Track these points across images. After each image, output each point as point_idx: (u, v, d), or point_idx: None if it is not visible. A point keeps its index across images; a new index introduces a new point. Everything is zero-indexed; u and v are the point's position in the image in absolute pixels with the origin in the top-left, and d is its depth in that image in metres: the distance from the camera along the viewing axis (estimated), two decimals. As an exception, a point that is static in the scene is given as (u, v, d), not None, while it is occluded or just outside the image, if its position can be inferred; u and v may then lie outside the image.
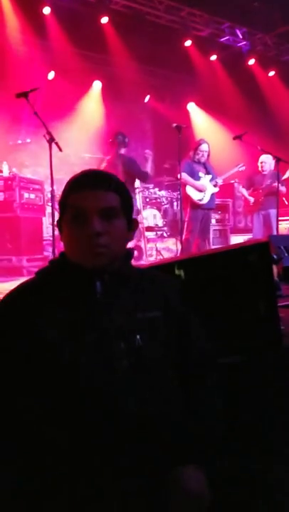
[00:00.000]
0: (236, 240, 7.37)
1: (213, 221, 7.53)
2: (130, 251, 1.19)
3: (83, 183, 1.10)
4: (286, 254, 4.17)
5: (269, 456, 1.46)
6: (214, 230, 7.54)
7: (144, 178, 5.39)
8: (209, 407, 1.13)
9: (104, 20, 7.13)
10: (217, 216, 7.67)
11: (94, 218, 1.06)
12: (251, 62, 8.80)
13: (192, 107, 9.17)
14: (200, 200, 5.36)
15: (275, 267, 3.60)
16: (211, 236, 7.24)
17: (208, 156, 5.50)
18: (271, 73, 9.12)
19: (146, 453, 1.01)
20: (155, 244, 6.76)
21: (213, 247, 6.30)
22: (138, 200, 6.30)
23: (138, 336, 1.07)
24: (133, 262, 1.23)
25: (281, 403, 1.53)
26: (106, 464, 0.98)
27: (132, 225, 1.17)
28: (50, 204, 5.13)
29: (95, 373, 1.02)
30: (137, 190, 6.23)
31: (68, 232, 1.10)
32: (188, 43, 8.07)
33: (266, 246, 1.59)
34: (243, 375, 1.49)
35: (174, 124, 4.93)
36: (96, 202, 1.07)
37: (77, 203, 1.08)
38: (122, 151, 5.25)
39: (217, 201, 6.97)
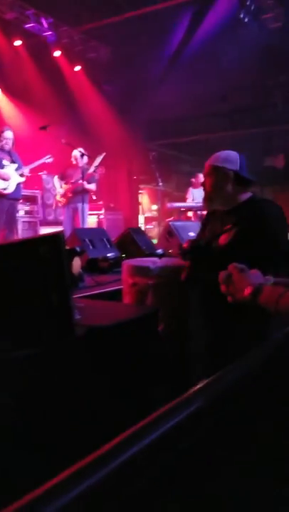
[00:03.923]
0: (46, 232, 7.31)
1: (22, 213, 7.33)
2: None
3: None
4: (91, 247, 4.33)
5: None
6: (23, 221, 7.35)
7: None
8: None
9: None
10: (26, 208, 7.49)
11: None
12: (57, 54, 8.77)
13: (-3, 92, 8.69)
14: (4, 189, 5.13)
15: (79, 258, 3.67)
16: (20, 228, 7.03)
17: (13, 144, 5.30)
18: (77, 68, 9.24)
19: None
20: None
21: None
22: None
23: None
24: None
25: (76, 393, 1.56)
26: None
27: None
28: None
29: None
30: None
31: None
32: (-10, 23, 7.62)
33: (58, 238, 1.59)
34: (36, 368, 1.47)
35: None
36: None
37: None
38: None
39: (25, 192, 6.79)
